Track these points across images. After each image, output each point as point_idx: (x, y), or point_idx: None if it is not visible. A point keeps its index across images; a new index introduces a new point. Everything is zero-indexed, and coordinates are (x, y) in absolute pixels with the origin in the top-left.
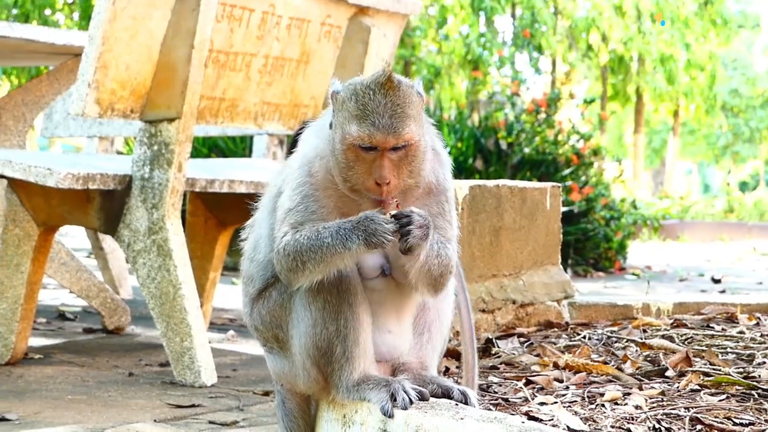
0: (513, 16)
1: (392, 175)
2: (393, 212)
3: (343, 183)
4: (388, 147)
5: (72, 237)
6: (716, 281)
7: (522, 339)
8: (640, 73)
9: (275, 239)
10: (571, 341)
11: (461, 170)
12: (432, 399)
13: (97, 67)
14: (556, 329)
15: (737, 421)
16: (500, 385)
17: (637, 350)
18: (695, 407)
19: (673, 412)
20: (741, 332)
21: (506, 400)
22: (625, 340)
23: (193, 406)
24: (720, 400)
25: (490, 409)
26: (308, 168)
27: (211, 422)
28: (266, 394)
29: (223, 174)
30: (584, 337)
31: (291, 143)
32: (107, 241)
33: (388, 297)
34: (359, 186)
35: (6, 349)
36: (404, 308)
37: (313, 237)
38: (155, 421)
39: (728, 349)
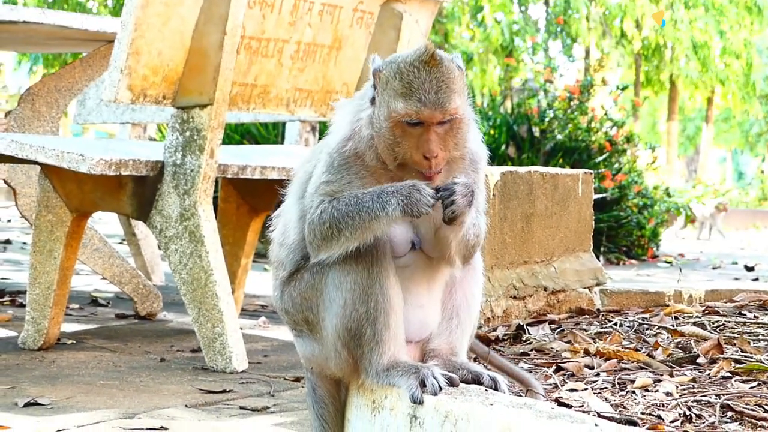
0: (546, 3)
1: (439, 148)
2: (437, 185)
3: (390, 159)
4: (435, 122)
5: (105, 223)
6: (749, 269)
7: (553, 326)
8: (673, 60)
9: (309, 210)
10: (602, 328)
11: (494, 157)
12: (462, 385)
13: (130, 53)
14: (587, 316)
15: None
16: (531, 372)
17: (668, 337)
18: (726, 394)
19: (703, 399)
20: None
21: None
22: (656, 327)
23: (224, 391)
24: (751, 388)
25: (520, 395)
26: (346, 143)
27: (242, 408)
28: (297, 380)
29: (255, 160)
30: (615, 324)
31: None
32: (140, 228)
33: (417, 271)
34: (407, 160)
35: (39, 335)
36: (435, 282)
37: (352, 202)
38: (186, 406)
39: (760, 337)
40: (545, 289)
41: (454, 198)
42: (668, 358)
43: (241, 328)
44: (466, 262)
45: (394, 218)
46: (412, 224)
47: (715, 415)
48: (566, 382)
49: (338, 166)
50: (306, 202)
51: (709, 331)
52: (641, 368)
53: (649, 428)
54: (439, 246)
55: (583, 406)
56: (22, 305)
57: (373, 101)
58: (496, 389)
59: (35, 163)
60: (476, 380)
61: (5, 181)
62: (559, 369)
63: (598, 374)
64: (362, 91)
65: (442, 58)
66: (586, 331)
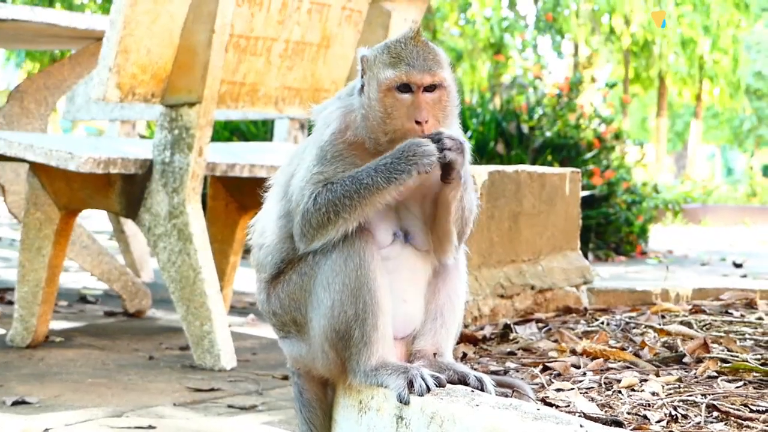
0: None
1: (430, 114)
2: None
3: (382, 135)
4: (424, 84)
5: (94, 219)
6: (738, 266)
7: (540, 324)
8: (662, 57)
9: (300, 202)
10: (589, 327)
11: (482, 154)
12: (448, 386)
13: (118, 52)
14: (574, 315)
15: (754, 407)
16: (517, 371)
17: (655, 336)
18: (712, 394)
19: (689, 398)
20: (759, 318)
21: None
22: (643, 326)
23: (212, 389)
24: (737, 387)
25: (506, 396)
26: (340, 135)
27: (230, 406)
28: (285, 378)
29: (244, 158)
30: (602, 323)
31: None
32: (129, 225)
33: (402, 265)
34: (400, 130)
35: (27, 332)
36: (419, 276)
37: (348, 183)
38: (175, 404)
39: (746, 336)
40: (532, 287)
41: (444, 142)
42: (655, 358)
43: (229, 326)
44: (460, 242)
45: (410, 182)
46: (398, 214)
47: (701, 415)
48: (553, 382)
49: (331, 158)
50: (295, 197)
51: (696, 330)
52: (627, 368)
53: (634, 429)
54: (438, 218)
55: (569, 406)
56: (11, 302)
57: (362, 90)
58: (482, 390)
59: (24, 160)
60: (462, 381)
61: None
62: (545, 368)
63: (584, 374)
64: (346, 89)
65: (427, 39)
66: (573, 330)
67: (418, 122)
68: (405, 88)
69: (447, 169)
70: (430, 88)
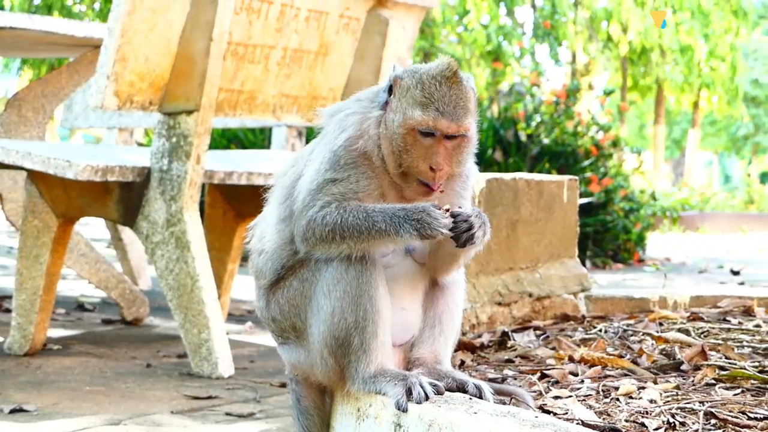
0: (533, 6)
1: (445, 162)
2: (450, 210)
3: (395, 165)
4: (448, 133)
5: (92, 227)
6: (735, 273)
7: (538, 332)
8: (659, 64)
9: (309, 206)
10: (587, 334)
11: (480, 161)
12: (446, 393)
13: (116, 60)
14: (572, 322)
15: (752, 415)
16: (515, 379)
17: (652, 344)
18: (710, 401)
19: (687, 406)
20: (757, 326)
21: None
22: (641, 334)
23: (210, 397)
24: (735, 395)
25: (504, 403)
26: (356, 142)
27: (228, 414)
28: (283, 385)
29: (242, 166)
30: (600, 331)
31: None
32: (126, 232)
33: (401, 274)
34: (412, 170)
35: (25, 340)
36: (418, 285)
37: (362, 217)
38: (172, 412)
39: (744, 343)
40: (530, 295)
41: (474, 232)
42: (652, 365)
43: (227, 334)
44: (458, 270)
45: (409, 241)
46: None
47: (698, 423)
48: (551, 389)
49: (345, 164)
50: (302, 198)
51: (694, 338)
52: (625, 375)
53: None
54: (442, 261)
55: (567, 413)
56: (8, 310)
57: (385, 105)
58: (481, 397)
59: (22, 168)
60: (461, 388)
61: None
62: (543, 376)
63: (582, 381)
64: (368, 94)
65: (462, 77)
66: (570, 337)
67: (432, 168)
68: (428, 133)
69: (464, 244)
70: (453, 136)
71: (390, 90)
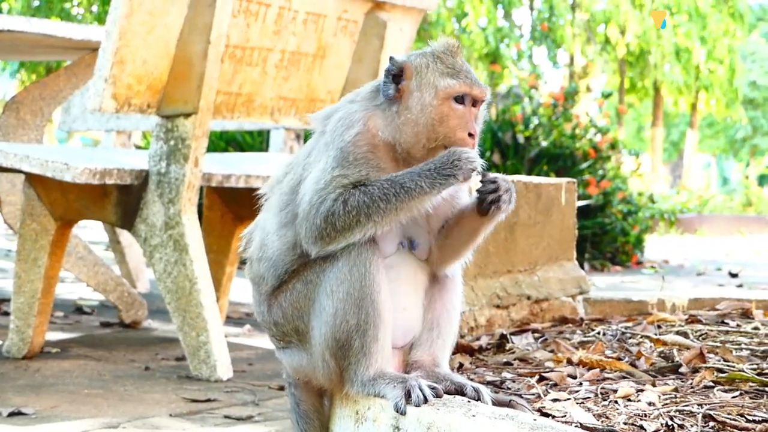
0: (531, 9)
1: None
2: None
3: (429, 140)
4: (480, 98)
5: (90, 230)
6: (733, 275)
7: (536, 335)
8: (657, 67)
9: (320, 203)
10: (585, 337)
11: None
12: (445, 396)
13: (114, 62)
14: (570, 325)
15: (750, 417)
16: (514, 381)
17: (651, 346)
18: (708, 404)
19: (686, 408)
20: (756, 328)
21: (519, 396)
22: (639, 336)
23: (208, 400)
24: (733, 397)
25: (503, 407)
26: (361, 135)
27: (226, 417)
28: (281, 388)
29: (240, 169)
30: (598, 333)
31: None
32: (124, 235)
33: (404, 273)
34: (449, 140)
35: (23, 343)
36: (419, 285)
37: (387, 185)
38: (171, 415)
39: (742, 346)
40: (528, 298)
41: (500, 194)
42: (651, 368)
43: (225, 336)
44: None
45: (440, 190)
46: (405, 225)
47: (697, 425)
48: (549, 392)
49: (354, 160)
50: (308, 199)
51: (692, 340)
52: (624, 378)
53: None
54: (458, 242)
55: (565, 416)
56: (7, 313)
57: (391, 97)
58: (479, 400)
59: (20, 171)
60: (459, 391)
61: None
62: (542, 379)
63: (580, 384)
64: (363, 93)
65: None
66: (569, 340)
67: (470, 134)
68: (461, 99)
69: (489, 207)
70: (477, 103)
71: (395, 79)
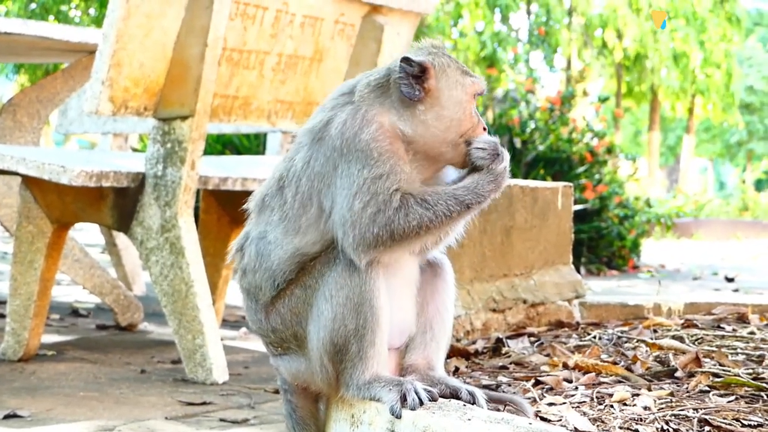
0: (528, 13)
1: None
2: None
3: (458, 136)
4: (482, 94)
5: (86, 233)
6: (730, 280)
7: (532, 339)
8: (654, 71)
9: (376, 212)
10: (581, 341)
11: None
12: (440, 399)
13: (111, 65)
14: (566, 329)
15: (746, 422)
16: (510, 385)
17: (647, 350)
18: (704, 408)
19: (681, 413)
20: (752, 333)
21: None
22: (635, 341)
23: (204, 403)
24: (729, 402)
25: (498, 410)
26: (381, 130)
27: (222, 420)
28: (277, 391)
29: (237, 172)
30: (594, 337)
31: None
32: (121, 238)
33: (399, 270)
34: (471, 134)
35: (19, 346)
36: (413, 279)
37: (451, 201)
38: (167, 418)
39: (738, 350)
40: (525, 301)
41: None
42: (647, 372)
43: (221, 339)
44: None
45: (490, 197)
46: None
47: (692, 430)
48: (545, 396)
49: (378, 156)
50: (346, 205)
51: (688, 345)
52: (619, 382)
53: None
54: None
55: (561, 420)
56: (2, 316)
57: (418, 97)
58: (474, 404)
59: (16, 174)
60: (454, 395)
61: None
62: (537, 383)
63: (576, 388)
64: (368, 92)
65: None
66: (565, 344)
67: (484, 127)
68: (477, 96)
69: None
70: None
71: (419, 78)
